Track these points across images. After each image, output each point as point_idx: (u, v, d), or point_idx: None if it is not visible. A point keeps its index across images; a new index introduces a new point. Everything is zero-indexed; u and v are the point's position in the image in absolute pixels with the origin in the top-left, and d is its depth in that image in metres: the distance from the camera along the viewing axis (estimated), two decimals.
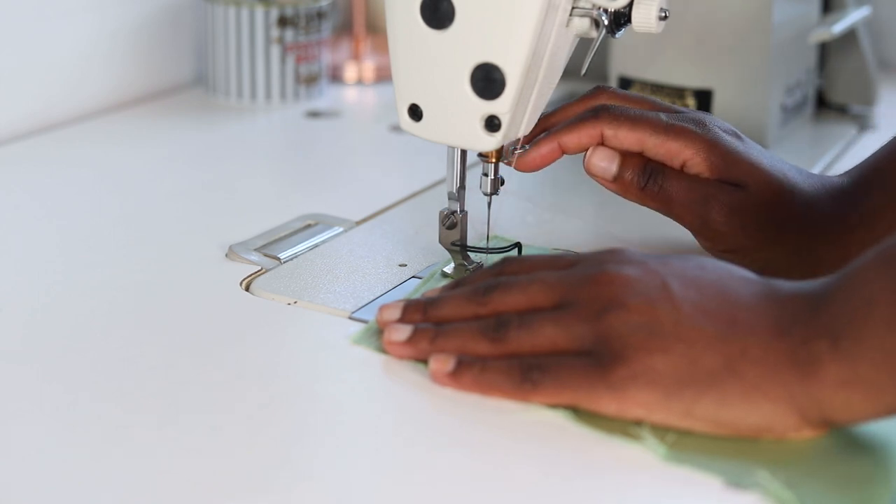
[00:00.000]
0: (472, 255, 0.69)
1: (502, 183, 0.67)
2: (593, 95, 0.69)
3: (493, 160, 0.66)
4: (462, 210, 0.68)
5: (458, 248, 0.68)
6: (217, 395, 0.56)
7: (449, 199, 0.68)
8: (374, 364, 0.59)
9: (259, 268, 0.69)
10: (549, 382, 0.54)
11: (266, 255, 0.71)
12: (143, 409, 0.55)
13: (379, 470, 0.51)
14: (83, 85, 0.98)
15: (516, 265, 0.59)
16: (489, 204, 0.68)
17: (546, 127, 0.68)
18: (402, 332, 0.58)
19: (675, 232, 0.78)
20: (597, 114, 0.67)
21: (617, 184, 0.67)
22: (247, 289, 0.67)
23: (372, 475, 0.51)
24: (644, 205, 0.68)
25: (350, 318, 0.64)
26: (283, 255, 0.71)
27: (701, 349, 0.52)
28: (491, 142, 0.64)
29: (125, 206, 0.80)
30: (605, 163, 0.67)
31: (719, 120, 0.69)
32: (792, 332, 0.51)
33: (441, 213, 0.68)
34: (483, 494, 0.49)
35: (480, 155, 0.67)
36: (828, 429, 0.52)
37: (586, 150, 0.67)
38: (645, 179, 0.66)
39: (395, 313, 0.60)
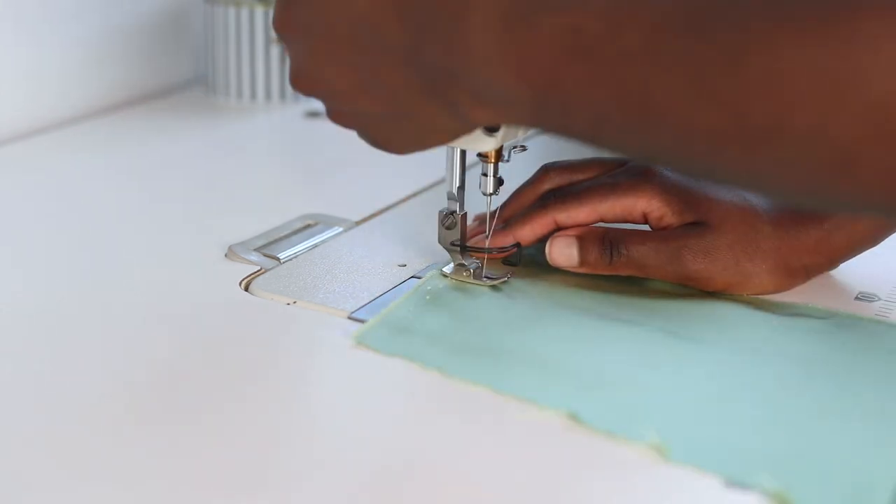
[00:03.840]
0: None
1: (501, 183, 0.67)
2: (540, 179, 0.71)
3: (493, 160, 0.66)
4: (462, 210, 0.68)
5: (457, 249, 0.68)
6: (216, 394, 0.56)
7: (448, 199, 0.68)
8: (374, 364, 0.59)
9: (259, 268, 0.70)
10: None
11: (266, 255, 0.71)
12: (141, 409, 0.55)
13: (378, 470, 0.51)
14: (83, 85, 0.98)
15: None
16: (489, 204, 0.68)
17: (504, 219, 0.70)
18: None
19: None
20: (545, 204, 0.69)
21: (585, 267, 0.67)
22: (246, 289, 0.67)
23: (371, 475, 0.51)
24: (620, 274, 0.67)
25: (349, 318, 0.64)
26: (282, 255, 0.71)
27: (388, 129, 0.60)
28: (490, 142, 0.64)
29: (125, 206, 0.80)
30: (567, 250, 0.67)
31: None
32: (438, 93, 0.55)
33: (440, 213, 0.68)
34: (483, 494, 0.49)
35: (480, 155, 0.67)
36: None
37: (543, 237, 0.69)
38: (609, 255, 0.66)
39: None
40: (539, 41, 0.49)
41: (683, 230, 0.66)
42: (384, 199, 0.81)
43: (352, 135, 1.01)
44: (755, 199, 0.67)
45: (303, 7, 0.58)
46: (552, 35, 0.49)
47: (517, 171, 0.69)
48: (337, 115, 0.61)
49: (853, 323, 0.64)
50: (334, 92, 0.59)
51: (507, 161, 0.67)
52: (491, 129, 0.63)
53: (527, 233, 0.68)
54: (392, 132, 0.61)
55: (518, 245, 0.69)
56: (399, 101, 0.57)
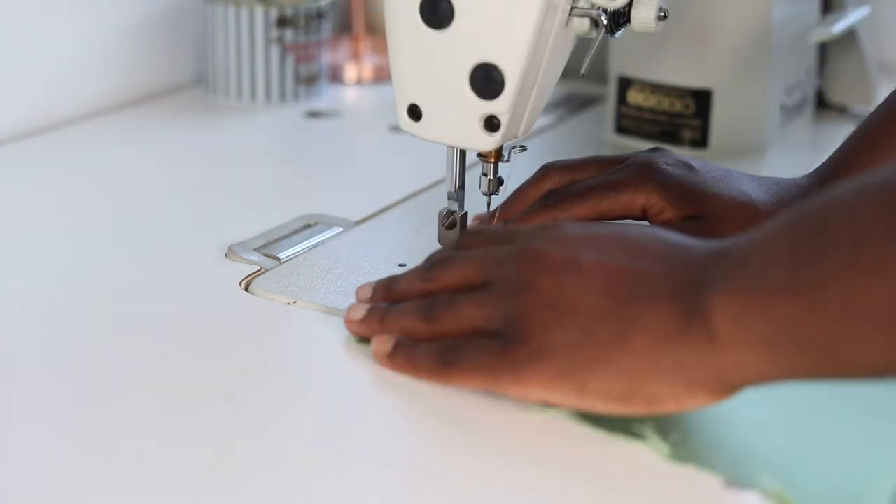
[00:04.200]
0: None
1: (501, 183, 0.67)
2: (542, 178, 0.70)
3: (493, 160, 0.66)
4: (462, 210, 0.68)
5: None
6: (216, 394, 0.56)
7: (448, 199, 0.68)
8: (374, 364, 0.59)
9: (258, 268, 0.70)
10: (462, 365, 0.55)
11: (266, 255, 0.71)
12: (141, 409, 0.55)
13: (378, 470, 0.51)
14: (83, 85, 0.98)
15: (471, 239, 0.60)
16: (489, 204, 0.68)
17: (504, 218, 0.70)
18: (359, 310, 0.60)
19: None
20: (546, 203, 0.68)
21: None
22: (246, 289, 0.67)
23: (371, 475, 0.51)
24: None
25: (343, 320, 0.64)
26: (282, 255, 0.71)
27: (597, 321, 0.52)
28: (490, 142, 0.64)
29: (125, 206, 0.80)
30: None
31: (669, 155, 0.69)
32: (686, 293, 0.50)
33: (441, 213, 0.68)
34: (484, 494, 0.49)
35: (480, 155, 0.67)
36: (725, 394, 0.51)
37: None
38: None
39: (368, 292, 0.62)
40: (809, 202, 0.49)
41: (683, 224, 0.66)
42: (384, 199, 0.81)
43: (351, 135, 1.01)
44: (754, 194, 0.67)
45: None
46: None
47: (517, 171, 0.69)
48: (532, 289, 0.54)
49: None
50: (564, 259, 0.54)
51: (507, 161, 0.67)
52: (490, 129, 0.63)
53: None
54: (594, 351, 0.52)
55: None
56: (640, 294, 0.51)
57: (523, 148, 0.67)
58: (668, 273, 0.52)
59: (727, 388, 0.50)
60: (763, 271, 0.49)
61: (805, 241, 0.48)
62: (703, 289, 0.50)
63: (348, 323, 0.60)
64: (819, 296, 0.47)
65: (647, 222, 0.67)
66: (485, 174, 0.67)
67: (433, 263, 0.59)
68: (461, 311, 0.56)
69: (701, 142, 0.92)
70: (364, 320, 0.60)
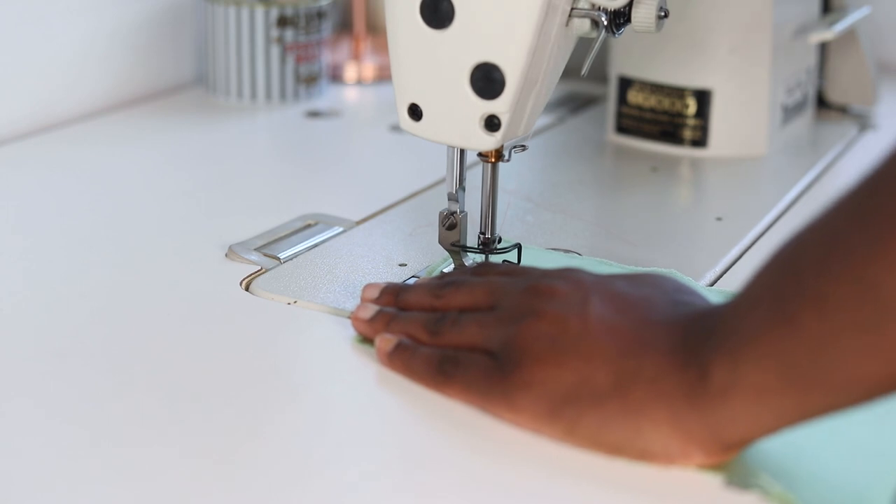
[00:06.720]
0: (471, 255, 0.69)
1: (499, 241, 0.67)
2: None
3: (493, 160, 0.66)
4: (462, 210, 0.68)
5: (457, 249, 0.68)
6: (216, 394, 0.56)
7: (449, 199, 0.68)
8: (375, 364, 0.59)
9: (259, 267, 0.70)
10: (457, 379, 0.55)
11: (266, 255, 0.71)
12: (141, 409, 0.55)
13: (378, 470, 0.51)
14: (83, 85, 0.98)
15: (485, 269, 0.62)
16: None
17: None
18: (368, 310, 0.61)
19: (674, 231, 0.78)
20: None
21: None
22: (247, 289, 0.67)
23: (371, 476, 0.51)
24: None
25: (350, 317, 0.64)
26: (283, 255, 0.71)
27: (595, 367, 0.52)
28: (490, 141, 0.64)
29: (125, 206, 0.80)
30: None
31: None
32: (686, 348, 0.50)
33: (441, 213, 0.68)
34: (483, 492, 0.49)
35: (480, 155, 0.67)
36: (720, 453, 0.50)
37: None
38: None
39: (374, 293, 0.63)
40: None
41: None
42: (384, 199, 0.81)
43: (351, 135, 1.01)
44: None
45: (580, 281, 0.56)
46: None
47: (517, 171, 0.69)
48: (535, 317, 0.54)
49: None
50: (573, 299, 0.54)
51: (508, 161, 0.67)
52: (491, 129, 0.63)
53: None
54: (588, 396, 0.52)
55: (518, 245, 0.69)
56: (641, 347, 0.51)
57: (524, 148, 0.67)
58: (671, 330, 0.52)
59: (723, 446, 0.50)
60: (750, 310, 0.48)
61: (784, 269, 0.47)
62: (703, 344, 0.50)
63: (355, 320, 0.61)
64: (799, 316, 0.46)
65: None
66: (482, 233, 0.67)
67: (445, 283, 0.60)
68: (464, 329, 0.57)
69: (701, 142, 0.92)
70: (370, 321, 0.60)
